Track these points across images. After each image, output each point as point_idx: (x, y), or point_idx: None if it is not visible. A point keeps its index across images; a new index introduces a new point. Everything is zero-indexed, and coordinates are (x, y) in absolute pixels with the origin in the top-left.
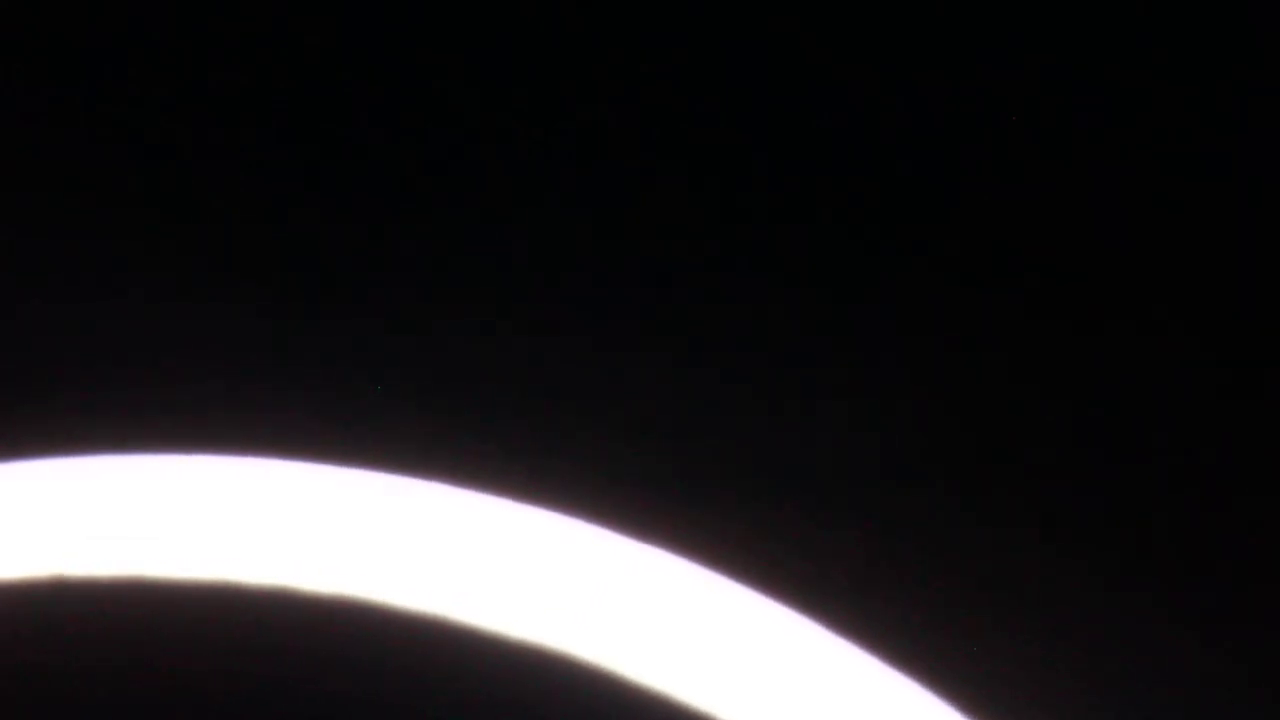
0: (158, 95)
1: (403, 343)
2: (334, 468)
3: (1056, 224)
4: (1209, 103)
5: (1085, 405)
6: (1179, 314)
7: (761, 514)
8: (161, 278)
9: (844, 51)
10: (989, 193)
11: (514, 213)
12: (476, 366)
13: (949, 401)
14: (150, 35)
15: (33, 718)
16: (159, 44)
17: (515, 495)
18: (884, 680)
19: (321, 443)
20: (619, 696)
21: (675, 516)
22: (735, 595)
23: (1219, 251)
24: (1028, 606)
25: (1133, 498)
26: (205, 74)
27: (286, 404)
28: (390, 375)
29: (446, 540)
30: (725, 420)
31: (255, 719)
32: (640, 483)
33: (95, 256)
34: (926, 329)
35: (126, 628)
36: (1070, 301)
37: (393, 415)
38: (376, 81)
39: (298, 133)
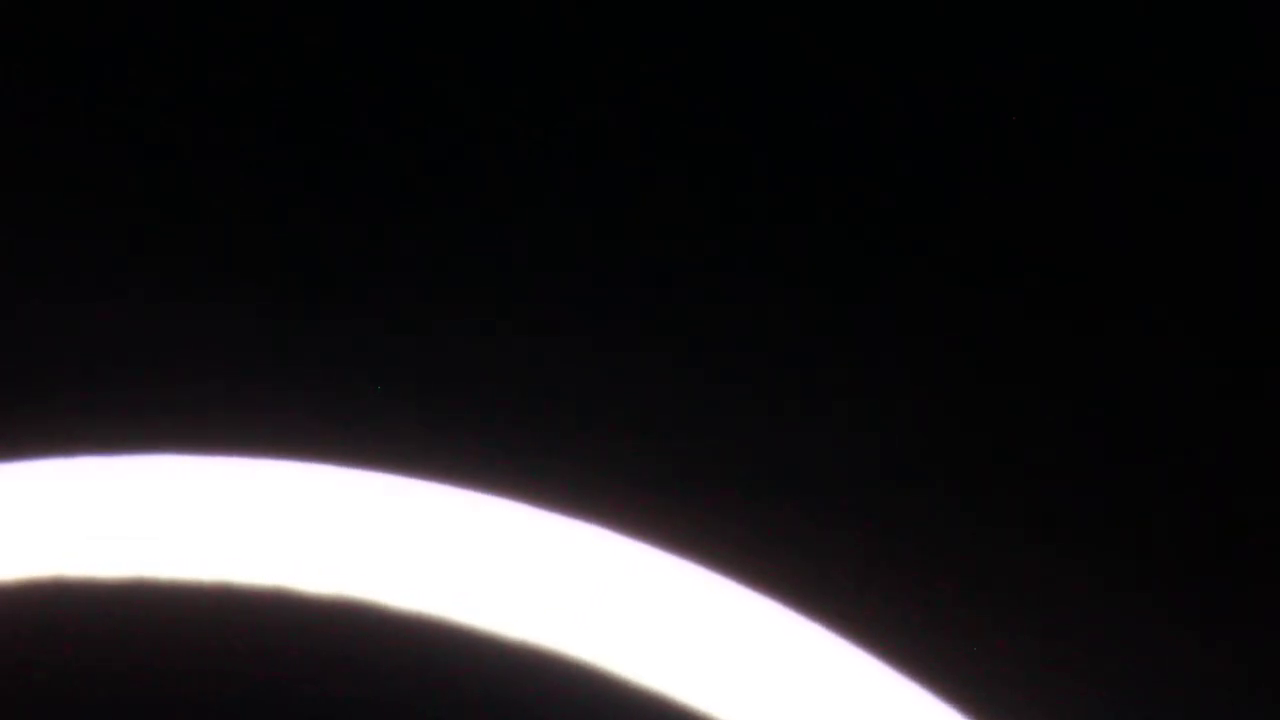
0: (158, 95)
1: (403, 343)
2: (334, 468)
3: (1056, 224)
4: (1209, 103)
5: (1085, 405)
6: (1179, 314)
7: (761, 514)
8: (161, 278)
9: (844, 51)
10: (989, 193)
11: (514, 213)
12: (476, 366)
13: (949, 401)
14: (150, 35)
15: (33, 718)
16: (159, 44)
17: (515, 495)
18: (884, 680)
19: (321, 443)
20: (618, 697)
21: (675, 516)
22: (735, 595)
23: (1219, 251)
24: (1028, 606)
25: (1133, 498)
26: (205, 74)
27: (286, 404)
28: (390, 375)
29: (445, 540)
30: (725, 420)
31: (254, 719)
32: (640, 483)
33: (95, 256)
34: (926, 329)
35: (126, 628)
36: (1070, 301)
37: (393, 415)
38: (376, 81)
39: (298, 133)
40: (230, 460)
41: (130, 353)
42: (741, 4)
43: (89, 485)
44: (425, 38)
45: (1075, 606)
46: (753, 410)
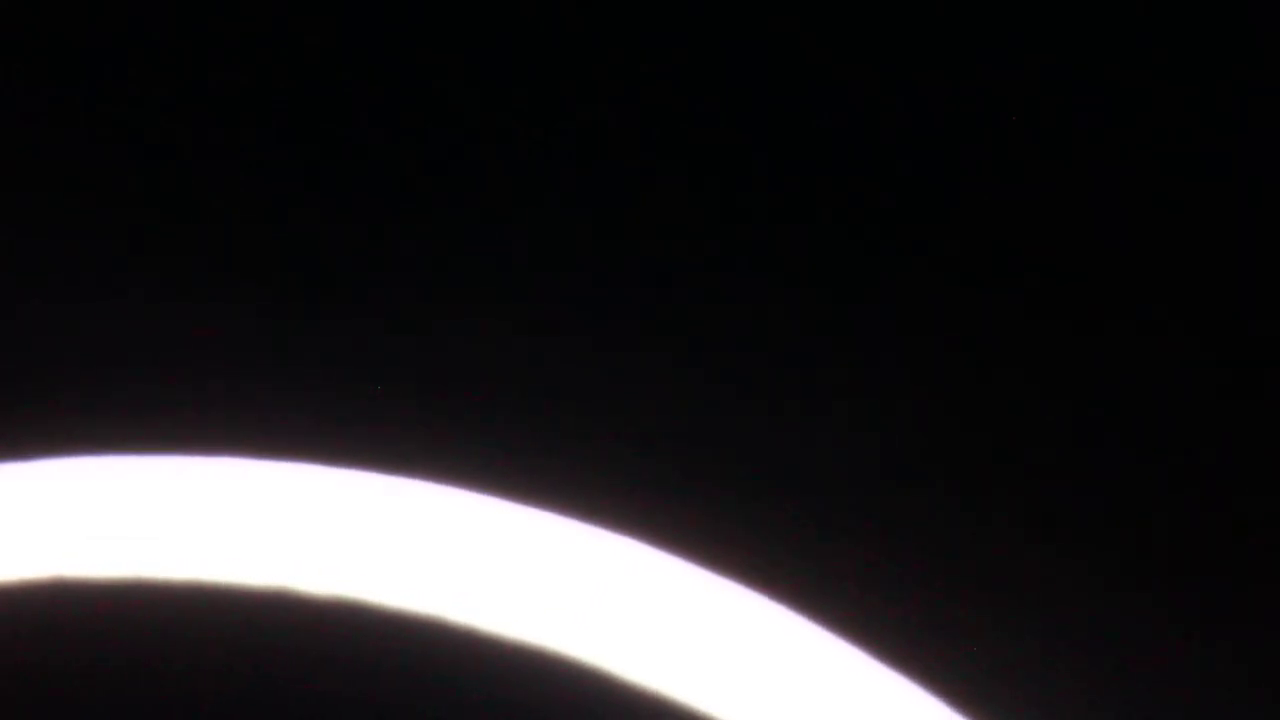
0: (158, 95)
1: (403, 343)
2: (334, 468)
3: (1056, 224)
4: (1209, 103)
5: (1085, 405)
6: (1179, 314)
7: (761, 514)
8: (161, 278)
9: (844, 51)
10: (989, 193)
11: (514, 213)
12: (476, 366)
13: (949, 401)
14: (150, 35)
15: (33, 718)
16: (159, 44)
17: (514, 495)
18: (884, 680)
19: (322, 443)
20: (618, 697)
21: (675, 517)
22: (735, 595)
23: (1219, 251)
24: (1028, 606)
25: (1133, 498)
26: (205, 74)
27: (286, 404)
28: (390, 375)
29: (445, 541)
30: (725, 420)
31: (254, 719)
32: (640, 483)
33: (95, 256)
34: (926, 329)
35: (126, 628)
36: (1070, 301)
37: (393, 415)
38: (376, 81)
39: (298, 133)
40: (230, 460)
41: (130, 353)
42: (741, 4)
43: (89, 485)
44: (425, 38)
45: (1075, 606)
46: (753, 410)
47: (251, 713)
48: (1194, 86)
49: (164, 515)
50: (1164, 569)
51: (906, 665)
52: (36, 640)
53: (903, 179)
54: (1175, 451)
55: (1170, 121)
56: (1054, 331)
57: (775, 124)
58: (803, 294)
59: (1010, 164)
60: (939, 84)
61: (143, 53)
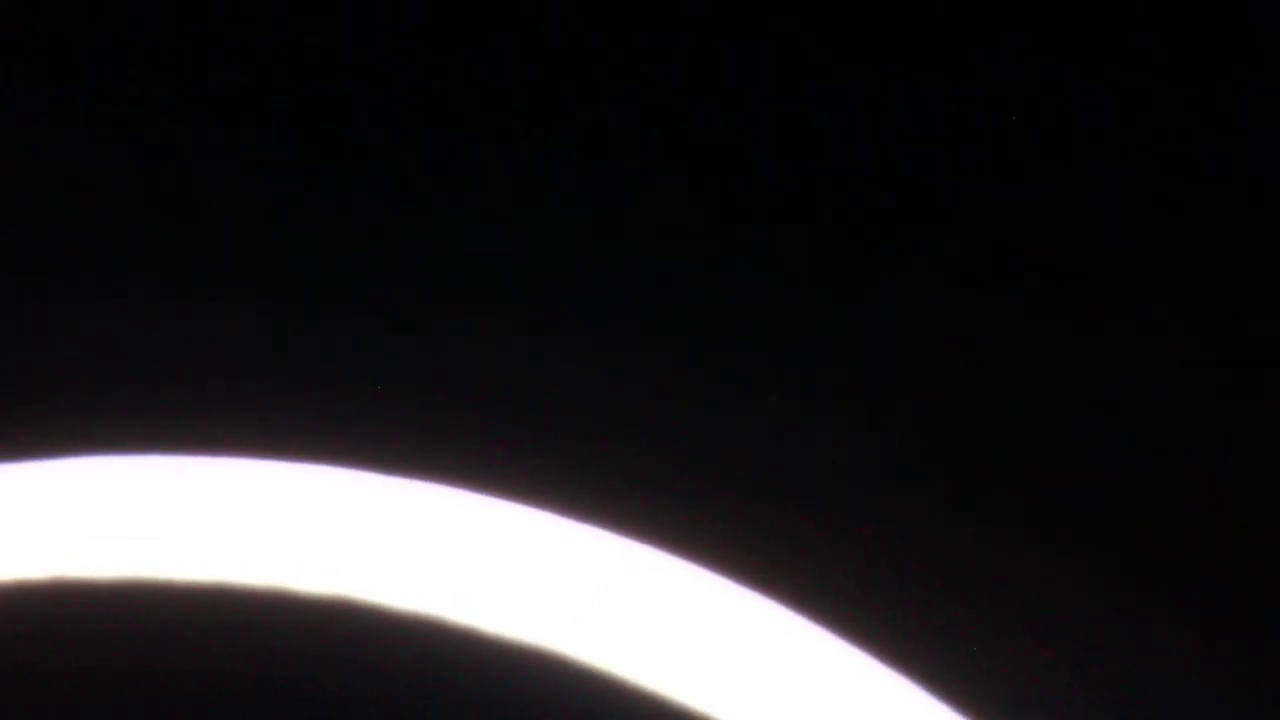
0: (158, 95)
1: (403, 343)
2: (333, 468)
3: (1056, 224)
4: (1209, 103)
5: (1085, 405)
6: (1179, 314)
7: (762, 514)
8: (161, 278)
9: (844, 51)
10: (989, 193)
11: (514, 213)
12: (476, 366)
13: (949, 401)
14: (150, 35)
15: (32, 718)
16: (159, 44)
17: (514, 495)
18: (884, 680)
19: (321, 443)
20: (617, 698)
21: (675, 517)
22: (735, 595)
23: (1219, 251)
24: (1028, 606)
25: (1133, 498)
26: (205, 74)
27: (286, 404)
28: (390, 375)
29: (444, 541)
30: (725, 420)
31: (253, 719)
32: (640, 483)
33: (95, 256)
34: (926, 329)
35: (125, 628)
36: (1070, 301)
37: (393, 415)
38: (376, 81)
39: (298, 133)
40: (230, 460)
41: (130, 353)
42: (741, 4)
43: (89, 485)
44: (425, 38)
45: (1075, 606)
46: (753, 410)
47: (251, 713)
48: (1194, 86)
49: (164, 515)
50: (1164, 569)
51: (906, 665)
52: (36, 640)
53: (903, 179)
54: (1175, 451)
55: (1170, 121)
56: (1054, 331)
57: (775, 124)
58: (803, 294)
59: (1010, 164)
60: (939, 84)
61: (143, 53)
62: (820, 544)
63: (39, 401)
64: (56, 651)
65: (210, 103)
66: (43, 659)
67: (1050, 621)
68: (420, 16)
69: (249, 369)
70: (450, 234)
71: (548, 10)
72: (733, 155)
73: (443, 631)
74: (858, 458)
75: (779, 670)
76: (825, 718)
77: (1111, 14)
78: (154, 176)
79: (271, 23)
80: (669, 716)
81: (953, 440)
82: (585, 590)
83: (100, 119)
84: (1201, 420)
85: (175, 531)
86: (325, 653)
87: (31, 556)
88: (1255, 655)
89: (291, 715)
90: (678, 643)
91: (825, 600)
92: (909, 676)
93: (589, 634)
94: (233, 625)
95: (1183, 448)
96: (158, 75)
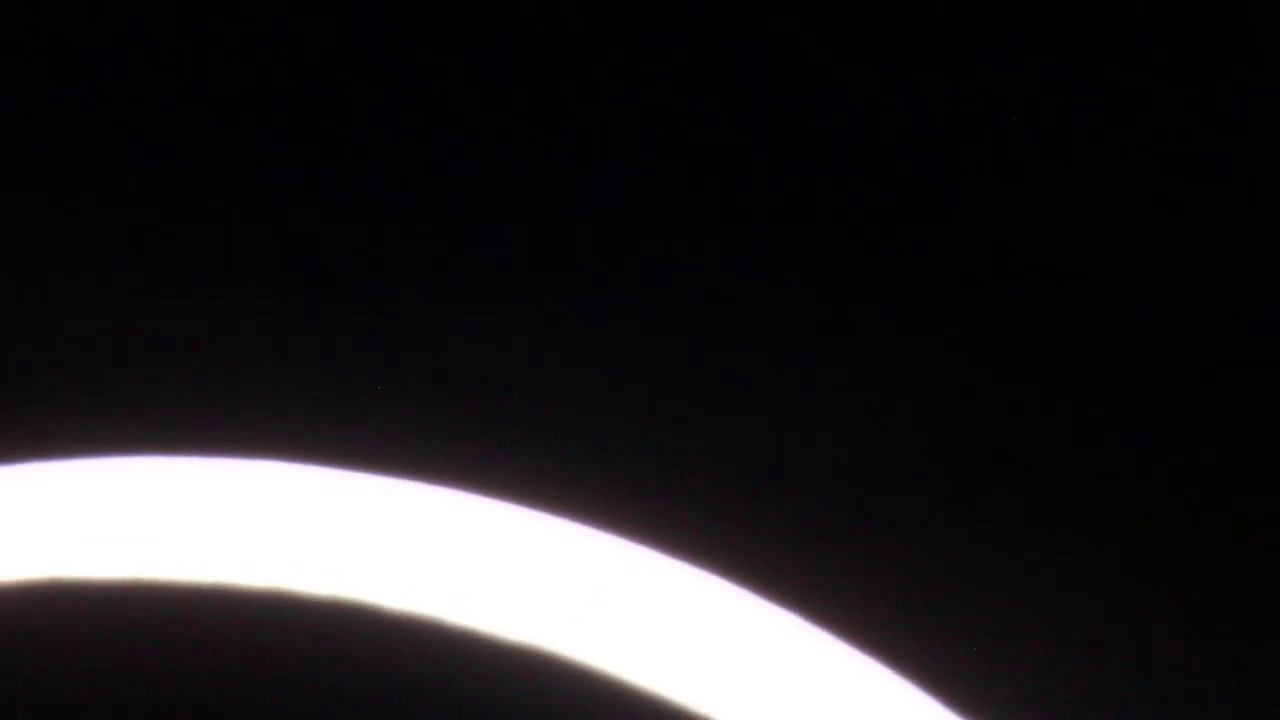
0: (158, 95)
1: (403, 343)
2: (333, 468)
3: (1056, 224)
4: (1209, 103)
5: (1085, 405)
6: (1179, 314)
7: (761, 514)
8: (161, 278)
9: (844, 51)
10: (989, 193)
11: (514, 213)
12: (476, 366)
13: (949, 401)
14: (150, 35)
15: (32, 718)
16: (159, 44)
17: (514, 496)
18: (884, 680)
19: (321, 443)
20: (616, 699)
21: (675, 517)
22: (733, 596)
23: (1219, 251)
24: (1027, 606)
25: (1133, 498)
26: (205, 74)
27: (286, 404)
28: (390, 375)
29: (444, 542)
30: (725, 420)
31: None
32: (640, 483)
33: (95, 256)
34: (926, 329)
35: (125, 628)
36: (1070, 301)
37: (392, 415)
38: (376, 81)
39: (298, 133)
40: (230, 460)
41: (130, 353)
42: (741, 4)
43: (89, 485)
44: (425, 38)
45: (1075, 606)
46: (753, 410)
47: (250, 713)
48: (1194, 86)
49: (164, 515)
50: (1164, 569)
51: (906, 665)
52: (35, 640)
53: (903, 179)
54: (1175, 451)
55: (1170, 121)
56: (1054, 331)
57: (775, 124)
58: (803, 294)
59: (1010, 164)
60: (939, 84)
61: (143, 53)
62: (820, 544)
63: (39, 401)
64: (56, 652)
65: (210, 103)
66: (42, 659)
67: (1050, 621)
68: (420, 16)
69: (249, 369)
70: (450, 234)
71: (548, 10)
72: (733, 155)
73: (442, 632)
74: (858, 458)
75: (778, 671)
76: (825, 718)
77: (1111, 14)
78: (154, 176)
79: (271, 23)
80: (669, 716)
81: (953, 440)
82: (584, 591)
83: (100, 119)
84: (1201, 420)
85: (175, 531)
86: (324, 653)
87: (31, 556)
88: (1255, 655)
89: (290, 715)
90: (676, 643)
91: (825, 600)
92: (909, 676)
93: (588, 635)
94: (231, 626)
95: (1183, 448)
96: (158, 75)
